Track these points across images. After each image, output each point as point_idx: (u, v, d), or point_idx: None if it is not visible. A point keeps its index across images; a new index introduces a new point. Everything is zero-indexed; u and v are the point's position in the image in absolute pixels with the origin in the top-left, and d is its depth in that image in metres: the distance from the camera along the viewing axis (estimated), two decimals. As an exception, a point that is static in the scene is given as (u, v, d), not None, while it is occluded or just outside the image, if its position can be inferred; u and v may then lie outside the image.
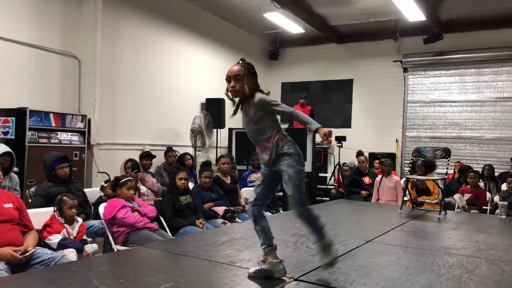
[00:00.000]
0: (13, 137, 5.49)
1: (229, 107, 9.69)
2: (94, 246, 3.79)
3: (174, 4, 8.15)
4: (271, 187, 2.54)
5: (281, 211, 6.29)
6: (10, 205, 3.07)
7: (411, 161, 6.52)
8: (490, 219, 5.30)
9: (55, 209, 3.63)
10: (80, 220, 3.77)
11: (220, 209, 5.15)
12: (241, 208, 5.55)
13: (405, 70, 10.01)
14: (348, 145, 9.48)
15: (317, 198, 8.58)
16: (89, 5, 6.54)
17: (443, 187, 5.49)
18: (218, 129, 8.52)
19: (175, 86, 8.19)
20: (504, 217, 5.06)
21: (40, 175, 4.99)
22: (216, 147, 8.57)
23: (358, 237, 3.59)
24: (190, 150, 7.82)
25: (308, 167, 8.46)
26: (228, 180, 5.90)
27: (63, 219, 3.59)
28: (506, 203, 5.24)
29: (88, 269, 2.53)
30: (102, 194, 4.88)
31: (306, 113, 9.49)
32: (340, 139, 9.38)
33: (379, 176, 6.61)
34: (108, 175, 5.99)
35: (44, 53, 6.12)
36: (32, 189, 4.86)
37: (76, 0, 6.55)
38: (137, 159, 5.94)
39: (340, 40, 10.47)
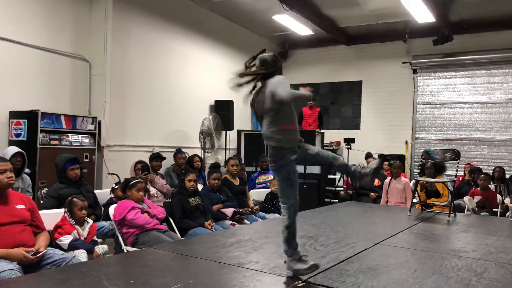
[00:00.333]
0: (25, 139, 5.58)
1: (237, 109, 9.67)
2: (104, 247, 3.82)
3: (184, 7, 8.20)
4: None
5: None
6: (23, 206, 3.12)
7: (421, 163, 6.49)
8: (500, 221, 5.25)
9: (66, 210, 3.67)
10: (90, 221, 3.81)
11: (229, 211, 5.17)
12: (250, 209, 5.56)
13: (414, 71, 9.96)
14: (357, 147, 9.46)
15: (325, 200, 8.57)
16: (99, 9, 6.62)
17: (452, 189, 5.45)
18: (227, 131, 8.56)
19: (184, 88, 8.25)
20: (514, 219, 5.02)
21: (51, 176, 5.06)
22: (225, 149, 8.61)
23: (367, 239, 3.58)
24: (199, 152, 7.86)
25: (317, 169, 8.47)
26: (236, 181, 5.93)
27: (73, 220, 3.63)
28: (516, 205, 5.20)
29: (98, 270, 2.56)
30: (112, 195, 4.93)
31: (314, 115, 9.55)
32: (349, 141, 9.36)
33: (388, 178, 6.59)
34: (118, 177, 6.04)
35: (55, 56, 6.20)
36: (44, 191, 4.92)
37: (87, 3, 6.65)
38: (147, 161, 5.99)
39: (349, 41, 10.46)
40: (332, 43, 10.57)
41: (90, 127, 6.25)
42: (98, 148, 6.34)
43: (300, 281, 2.43)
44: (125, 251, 3.88)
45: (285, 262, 2.53)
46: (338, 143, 10.36)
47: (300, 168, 3.07)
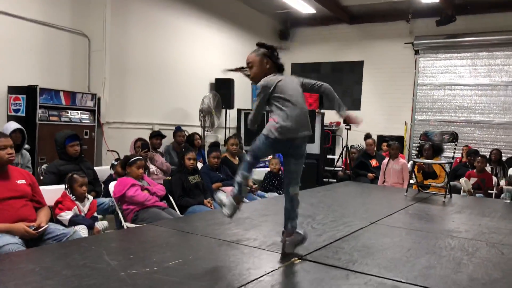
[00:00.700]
0: (24, 114, 5.57)
1: (238, 87, 9.58)
2: (105, 223, 3.89)
3: (184, -17, 8.09)
4: None
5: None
6: (23, 182, 3.14)
7: (419, 144, 6.52)
8: (495, 203, 5.32)
9: (66, 186, 3.72)
10: (90, 197, 3.86)
11: (228, 189, 5.19)
12: (249, 188, 5.61)
13: (416, 52, 9.89)
14: (356, 128, 9.45)
15: (324, 179, 8.64)
16: (99, -17, 6.52)
17: (449, 170, 5.50)
18: (227, 110, 8.54)
19: (185, 65, 8.19)
20: (509, 201, 5.08)
21: (51, 152, 5.09)
22: (225, 128, 8.61)
23: (363, 219, 3.64)
24: (199, 130, 7.87)
25: (316, 149, 8.50)
26: (236, 160, 5.96)
27: (74, 196, 3.68)
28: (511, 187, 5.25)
29: (99, 245, 2.61)
30: (112, 172, 4.96)
31: (315, 95, 9.50)
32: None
33: (386, 159, 6.64)
34: (118, 154, 6.07)
35: (54, 31, 6.14)
36: (44, 166, 4.95)
37: (86, -22, 6.54)
38: (147, 139, 6.01)
39: (352, 20, 10.34)
40: (334, 22, 10.44)
41: (90, 103, 6.25)
42: (97, 125, 6.35)
43: (296, 258, 2.49)
44: (125, 227, 3.93)
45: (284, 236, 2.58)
46: (338, 123, 10.37)
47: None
